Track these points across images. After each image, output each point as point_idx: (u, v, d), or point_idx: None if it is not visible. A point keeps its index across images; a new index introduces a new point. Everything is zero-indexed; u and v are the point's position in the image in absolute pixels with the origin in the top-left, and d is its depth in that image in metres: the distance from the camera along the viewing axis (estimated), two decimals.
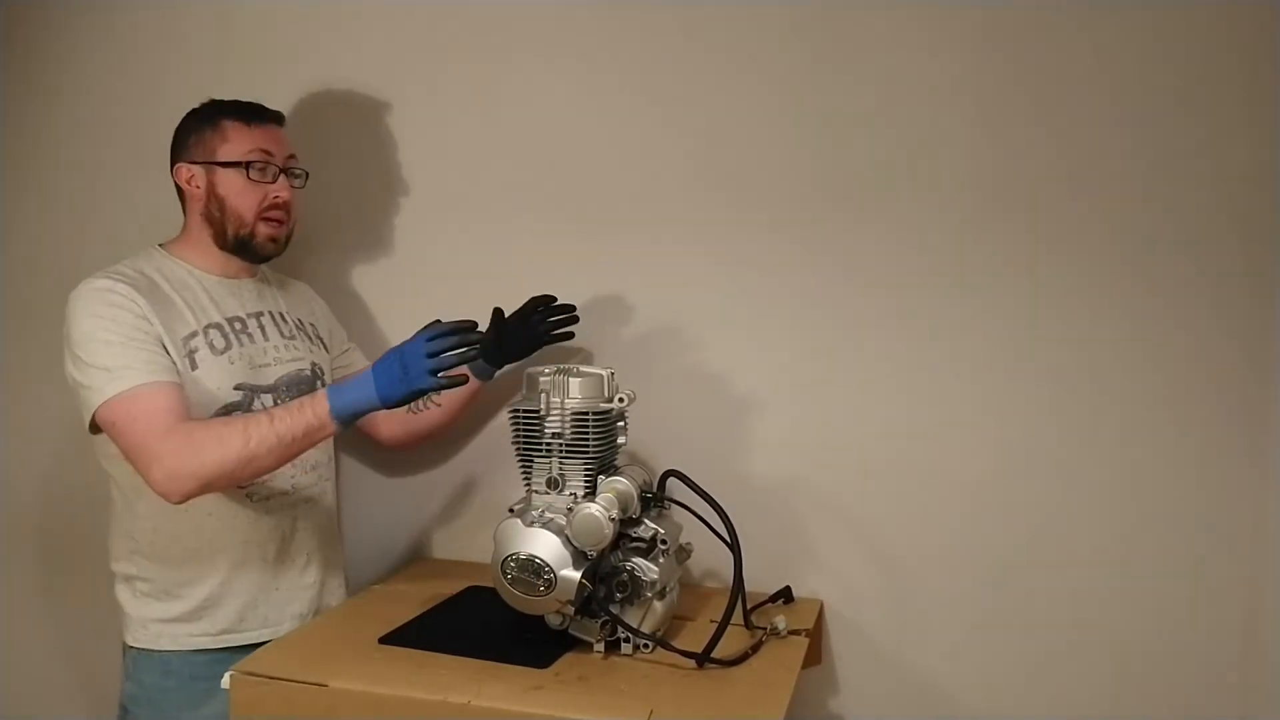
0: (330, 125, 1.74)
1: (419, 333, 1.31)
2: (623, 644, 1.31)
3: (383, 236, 1.75)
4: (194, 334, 1.39)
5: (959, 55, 1.50)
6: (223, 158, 1.43)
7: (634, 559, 1.31)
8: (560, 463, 1.33)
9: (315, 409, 1.30)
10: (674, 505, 1.39)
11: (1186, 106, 1.42)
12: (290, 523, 1.49)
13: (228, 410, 1.39)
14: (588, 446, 1.32)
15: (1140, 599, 1.48)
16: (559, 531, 1.28)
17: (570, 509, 1.28)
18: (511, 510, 1.33)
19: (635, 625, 1.29)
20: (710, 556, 1.52)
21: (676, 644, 1.29)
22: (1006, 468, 1.52)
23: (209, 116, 1.45)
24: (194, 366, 1.37)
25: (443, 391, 1.32)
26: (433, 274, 1.72)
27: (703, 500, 1.33)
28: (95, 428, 1.34)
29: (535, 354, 1.61)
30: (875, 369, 1.56)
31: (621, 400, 1.35)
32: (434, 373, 1.27)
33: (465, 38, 1.69)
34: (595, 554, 1.28)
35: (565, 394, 1.33)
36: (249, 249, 1.46)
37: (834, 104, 1.55)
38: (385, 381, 1.29)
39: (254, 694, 1.21)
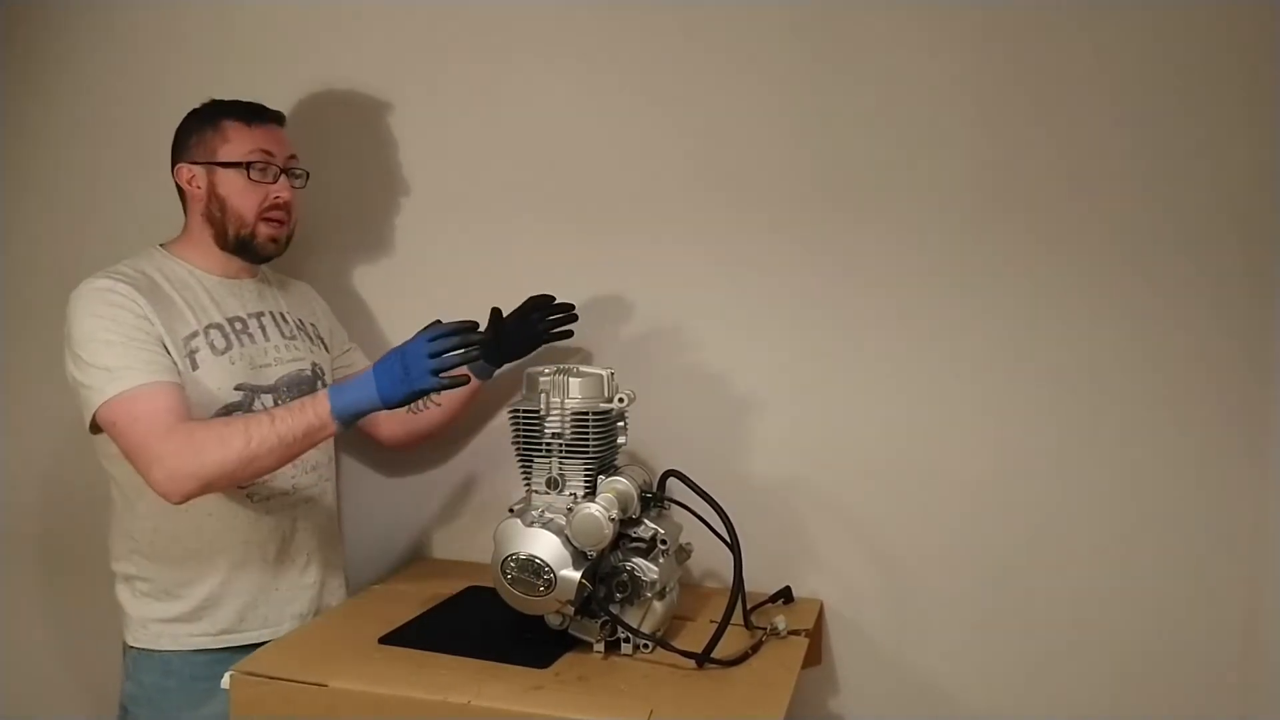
0: (330, 125, 1.74)
1: (420, 333, 1.31)
2: (623, 644, 1.31)
3: (383, 236, 1.75)
4: (195, 334, 1.39)
5: (959, 55, 1.50)
6: (223, 158, 1.43)
7: (634, 559, 1.31)
8: (560, 463, 1.33)
9: (316, 409, 1.30)
10: (674, 505, 1.39)
11: (1186, 106, 1.42)
12: (290, 523, 1.49)
13: (228, 410, 1.39)
14: (588, 446, 1.32)
15: (1140, 599, 1.48)
16: (559, 531, 1.28)
17: (570, 509, 1.28)
18: (511, 510, 1.33)
19: (635, 625, 1.29)
20: (710, 556, 1.52)
21: (676, 644, 1.29)
22: (1006, 468, 1.52)
23: (210, 117, 1.45)
24: (195, 367, 1.37)
25: (443, 391, 1.32)
26: (433, 274, 1.72)
27: (703, 500, 1.33)
28: (95, 428, 1.34)
29: (535, 353, 1.61)
30: (875, 369, 1.56)
31: (621, 400, 1.35)
32: (435, 373, 1.27)
33: (465, 38, 1.69)
34: (595, 554, 1.28)
35: (565, 394, 1.33)
36: (250, 249, 1.46)
37: (834, 104, 1.55)
38: (386, 382, 1.29)
39: (254, 694, 1.21)
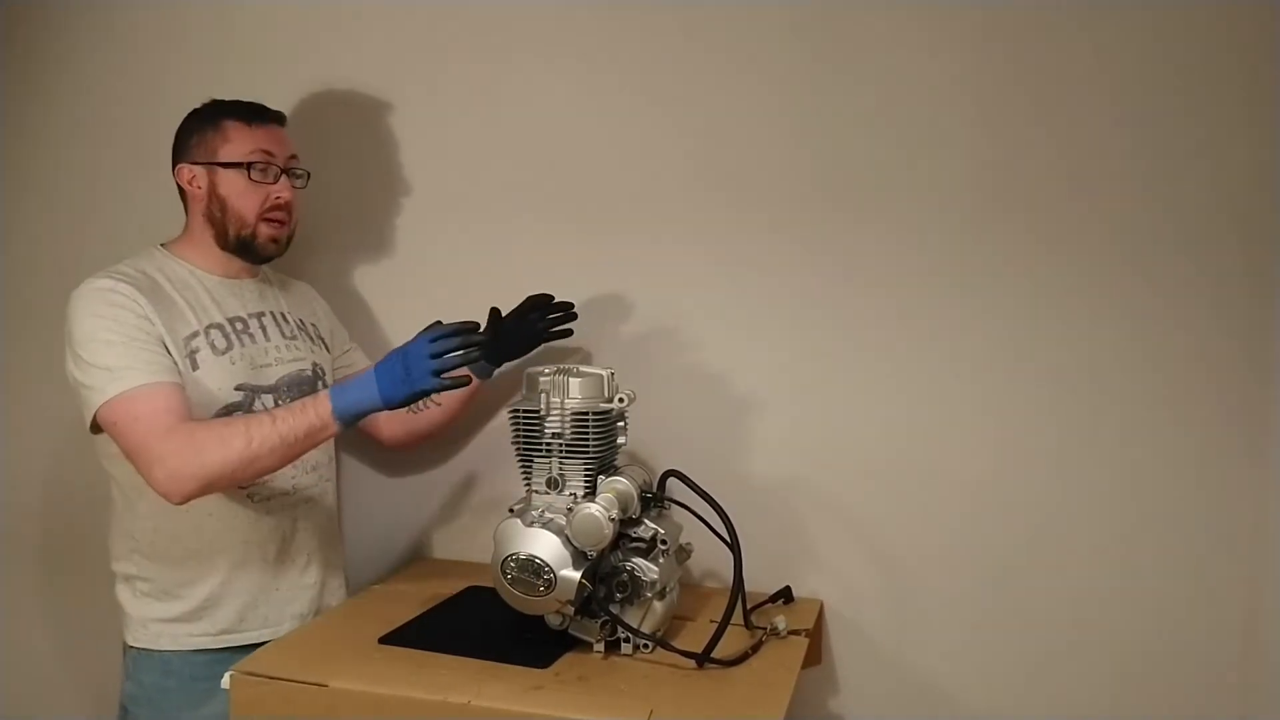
0: (330, 125, 1.74)
1: (421, 334, 1.31)
2: (623, 644, 1.31)
3: (383, 236, 1.75)
4: (195, 334, 1.39)
5: (959, 55, 1.50)
6: (224, 158, 1.42)
7: (634, 559, 1.31)
8: (560, 463, 1.33)
9: (318, 409, 1.30)
10: (674, 505, 1.39)
11: (1186, 106, 1.42)
12: (291, 523, 1.49)
13: (229, 410, 1.39)
14: (588, 446, 1.32)
15: (1140, 599, 1.48)
16: (559, 531, 1.28)
17: (570, 509, 1.28)
18: (511, 510, 1.33)
19: (635, 625, 1.29)
20: (710, 556, 1.52)
21: (676, 644, 1.29)
22: (1006, 468, 1.52)
23: (210, 117, 1.45)
24: (195, 367, 1.37)
25: (444, 391, 1.32)
26: (433, 273, 1.72)
27: (703, 500, 1.33)
28: (96, 427, 1.34)
29: (534, 353, 1.61)
30: (875, 369, 1.56)
31: (621, 400, 1.35)
32: (437, 374, 1.27)
33: (465, 38, 1.69)
34: (595, 554, 1.28)
35: (565, 394, 1.33)
36: (250, 249, 1.46)
37: (834, 104, 1.55)
38: (388, 382, 1.29)
39: (254, 694, 1.21)
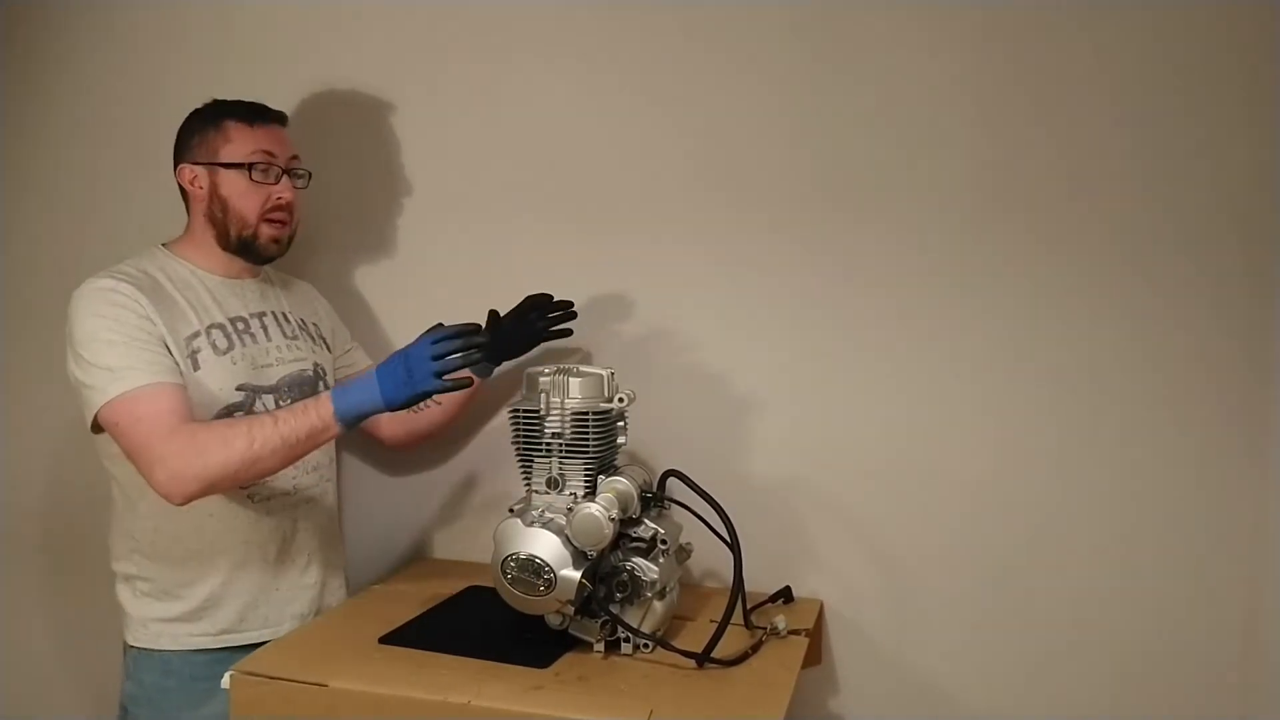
0: (330, 125, 1.74)
1: (423, 335, 1.31)
2: (623, 644, 1.31)
3: (384, 236, 1.75)
4: (197, 334, 1.39)
5: (959, 55, 1.50)
6: (225, 159, 1.42)
7: (634, 559, 1.31)
8: (560, 463, 1.33)
9: (319, 411, 1.30)
10: (674, 505, 1.39)
11: (1186, 106, 1.42)
12: (291, 523, 1.49)
13: (229, 411, 1.39)
14: (588, 446, 1.32)
15: (1140, 599, 1.48)
16: (559, 531, 1.28)
17: (570, 509, 1.28)
18: (511, 510, 1.33)
19: (635, 625, 1.29)
20: (710, 556, 1.52)
21: (676, 644, 1.29)
22: (1006, 468, 1.52)
23: (211, 117, 1.45)
24: (196, 367, 1.37)
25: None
26: (433, 273, 1.72)
27: (703, 500, 1.33)
28: (97, 427, 1.34)
29: (534, 353, 1.61)
30: (875, 369, 1.56)
31: (621, 400, 1.35)
32: (438, 375, 1.27)
33: (465, 38, 1.69)
34: (595, 554, 1.28)
35: (565, 394, 1.33)
36: (252, 250, 1.46)
37: (834, 104, 1.55)
38: (390, 384, 1.29)
39: (254, 694, 1.21)
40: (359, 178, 1.75)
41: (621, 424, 1.40)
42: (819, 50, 1.55)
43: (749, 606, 1.41)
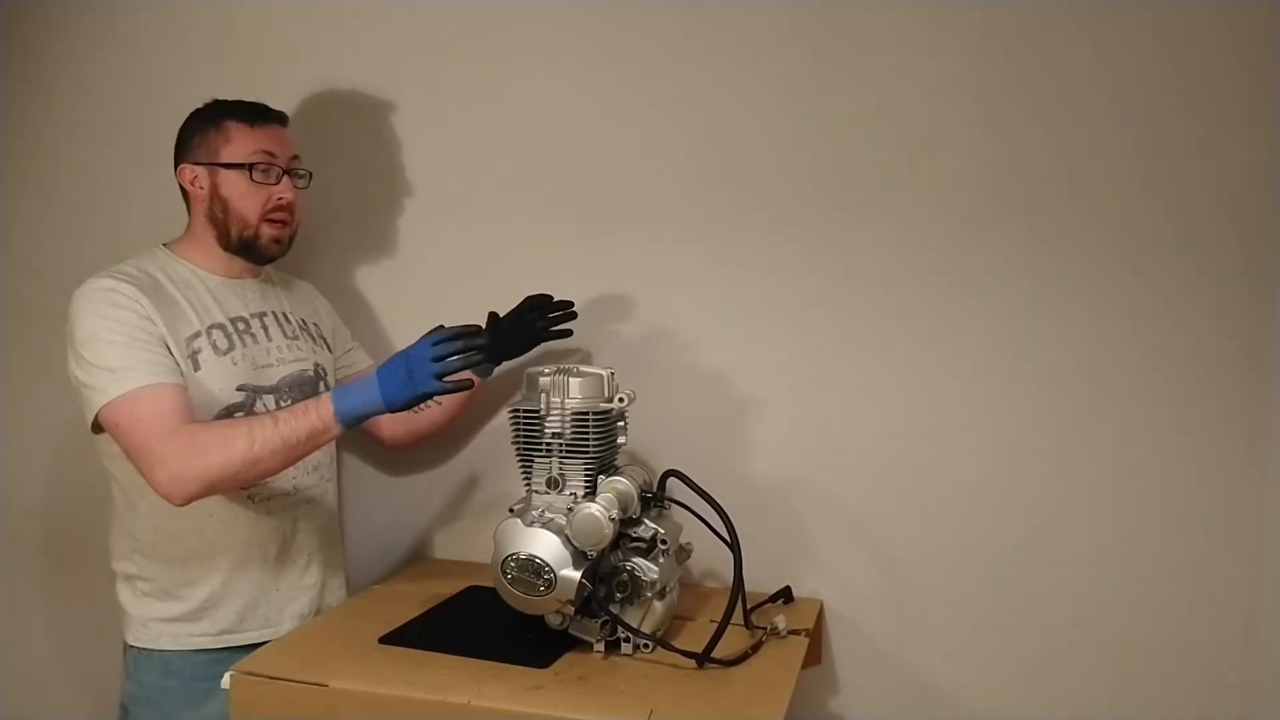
0: (330, 125, 1.74)
1: (424, 337, 1.31)
2: (623, 644, 1.31)
3: (384, 236, 1.75)
4: (197, 334, 1.39)
5: (959, 55, 1.50)
6: (226, 159, 1.42)
7: (634, 559, 1.31)
8: (560, 463, 1.33)
9: (320, 412, 1.30)
10: (674, 505, 1.39)
11: (1186, 106, 1.42)
12: (291, 524, 1.49)
13: (230, 411, 1.39)
14: (588, 446, 1.32)
15: (1140, 599, 1.48)
16: (559, 531, 1.28)
17: (570, 509, 1.28)
18: (511, 510, 1.33)
19: (635, 625, 1.29)
20: (710, 556, 1.52)
21: (676, 644, 1.29)
22: (1006, 468, 1.52)
23: (212, 117, 1.45)
24: (197, 367, 1.37)
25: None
26: (434, 273, 1.72)
27: (703, 500, 1.33)
28: (97, 427, 1.34)
29: (534, 353, 1.61)
30: (875, 369, 1.56)
31: (621, 400, 1.35)
32: (439, 376, 1.27)
33: (465, 38, 1.69)
34: (595, 554, 1.28)
35: (565, 394, 1.33)
36: (253, 250, 1.46)
37: (834, 104, 1.55)
38: (390, 385, 1.29)
39: (254, 694, 1.21)
40: (359, 178, 1.75)
41: (621, 424, 1.40)
42: (819, 50, 1.55)
43: (749, 606, 1.41)
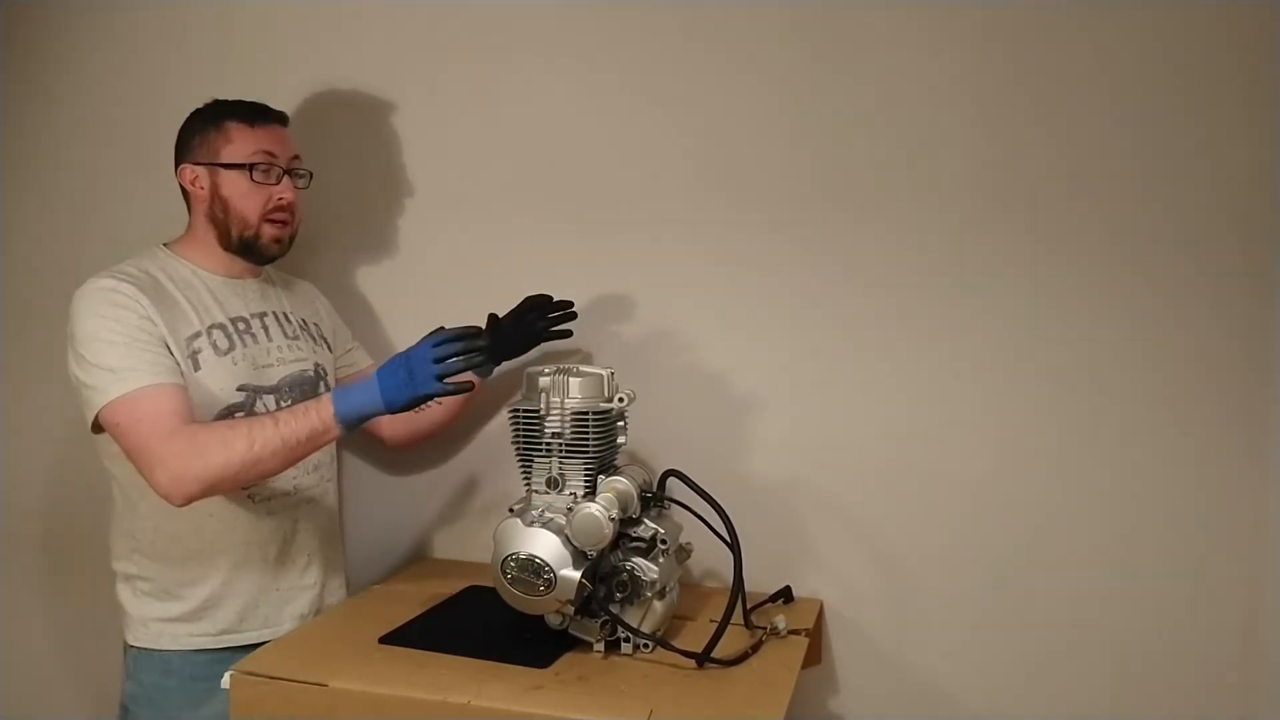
0: (331, 125, 1.74)
1: (424, 339, 1.31)
2: (623, 644, 1.31)
3: (384, 236, 1.75)
4: (197, 334, 1.39)
5: (959, 55, 1.50)
6: (226, 159, 1.42)
7: (634, 559, 1.31)
8: (560, 462, 1.33)
9: (320, 413, 1.30)
10: (674, 505, 1.39)
11: (1186, 106, 1.42)
12: (291, 524, 1.49)
13: (230, 411, 1.39)
14: (588, 446, 1.32)
15: (1140, 599, 1.48)
16: (559, 531, 1.28)
17: (570, 509, 1.28)
18: (511, 510, 1.33)
19: (635, 625, 1.29)
20: (710, 556, 1.52)
21: (676, 644, 1.29)
22: (1006, 468, 1.52)
23: (213, 117, 1.45)
24: (197, 367, 1.37)
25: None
26: (434, 273, 1.72)
27: (703, 500, 1.33)
28: (97, 427, 1.34)
29: (534, 353, 1.61)
30: (875, 369, 1.56)
31: (621, 400, 1.35)
32: (440, 378, 1.27)
33: (465, 38, 1.69)
34: (595, 554, 1.28)
35: (565, 394, 1.33)
36: (254, 250, 1.46)
37: (834, 104, 1.55)
38: (391, 386, 1.29)
39: (254, 694, 1.21)
40: (359, 178, 1.75)
41: (621, 424, 1.40)
42: (819, 50, 1.55)
43: (749, 606, 1.41)
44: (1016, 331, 1.51)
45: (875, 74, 1.53)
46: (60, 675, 1.99)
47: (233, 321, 1.44)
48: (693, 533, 1.40)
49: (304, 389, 1.49)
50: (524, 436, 1.34)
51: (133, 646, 1.44)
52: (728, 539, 1.32)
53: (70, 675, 1.98)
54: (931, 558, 1.56)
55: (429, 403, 1.56)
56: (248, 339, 1.45)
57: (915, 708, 1.58)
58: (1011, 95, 1.48)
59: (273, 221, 1.45)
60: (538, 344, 1.60)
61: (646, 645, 1.30)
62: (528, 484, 1.35)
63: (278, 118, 1.48)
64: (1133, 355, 1.47)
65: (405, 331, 1.72)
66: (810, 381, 1.59)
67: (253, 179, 1.42)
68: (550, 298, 1.58)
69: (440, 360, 1.27)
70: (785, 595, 1.55)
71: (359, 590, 1.61)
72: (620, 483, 1.32)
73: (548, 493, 1.33)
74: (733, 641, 1.31)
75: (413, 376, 1.28)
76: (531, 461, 1.35)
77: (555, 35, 1.65)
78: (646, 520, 1.34)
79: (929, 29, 1.50)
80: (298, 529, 1.50)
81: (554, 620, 1.31)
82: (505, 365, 1.60)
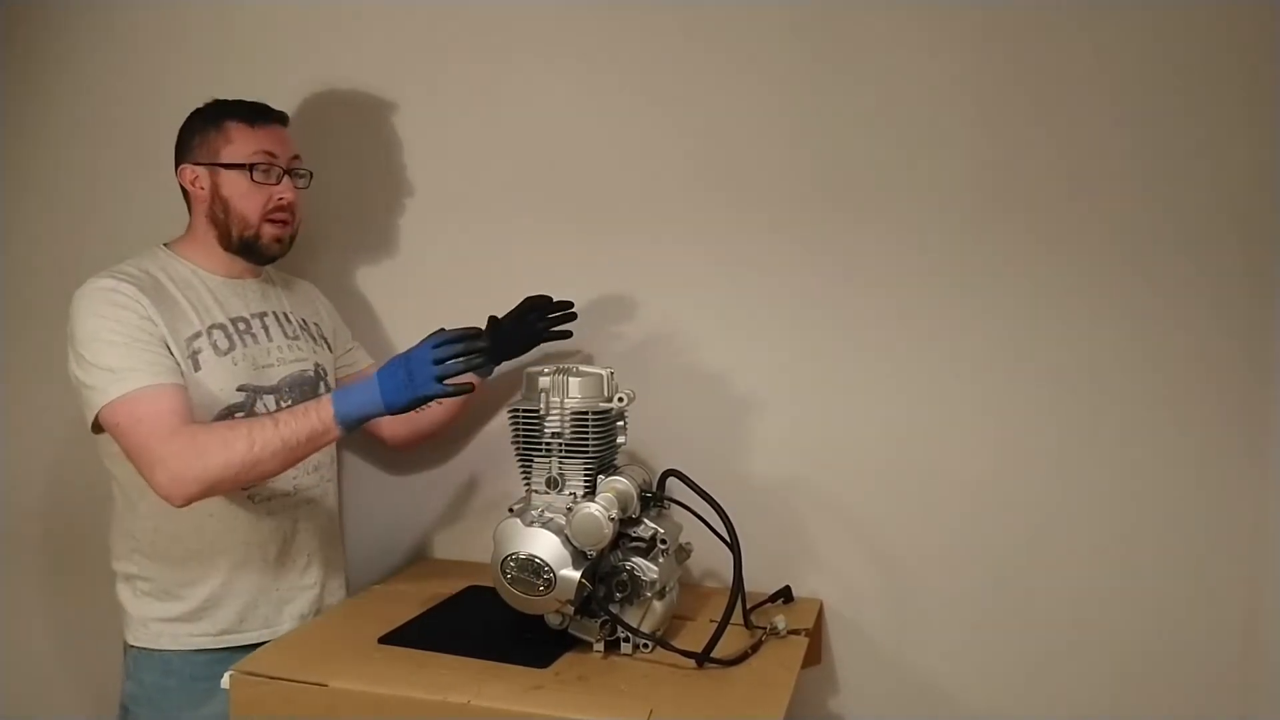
0: (331, 125, 1.74)
1: (425, 340, 1.31)
2: (622, 644, 1.31)
3: (384, 236, 1.75)
4: (198, 334, 1.39)
5: (959, 55, 1.50)
6: (226, 159, 1.42)
7: (634, 559, 1.31)
8: (560, 462, 1.33)
9: (320, 413, 1.30)
10: (674, 505, 1.39)
11: (1186, 106, 1.42)
12: (291, 524, 1.49)
13: (230, 411, 1.39)
14: (587, 446, 1.32)
15: (1140, 599, 1.48)
16: (559, 531, 1.28)
17: (570, 509, 1.28)
18: (511, 510, 1.33)
19: (635, 625, 1.29)
20: (710, 556, 1.52)
21: (676, 644, 1.29)
22: (1006, 468, 1.52)
23: (213, 117, 1.45)
24: (197, 367, 1.37)
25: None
26: (434, 273, 1.72)
27: (703, 500, 1.33)
28: (97, 427, 1.34)
29: (534, 354, 1.61)
30: (875, 369, 1.56)
31: (621, 400, 1.35)
32: (440, 379, 1.27)
33: (465, 38, 1.69)
34: (595, 554, 1.28)
35: (565, 394, 1.33)
36: (254, 250, 1.46)
37: (834, 104, 1.55)
38: (391, 387, 1.29)
39: (254, 694, 1.21)
40: (359, 178, 1.75)
41: (621, 424, 1.40)
42: (819, 50, 1.55)
43: (749, 606, 1.41)
44: (1016, 331, 1.51)
45: (875, 74, 1.53)
46: (60, 675, 1.99)
47: (233, 321, 1.44)
48: (692, 533, 1.40)
49: (304, 389, 1.49)
50: (524, 436, 1.34)
51: (133, 646, 1.44)
52: (727, 539, 1.32)
53: (70, 675, 1.99)
54: (931, 558, 1.56)
55: (429, 403, 1.58)
56: (248, 339, 1.45)
57: (915, 708, 1.58)
58: (1011, 95, 1.48)
59: (273, 221, 1.45)
60: (538, 344, 1.60)
61: (646, 645, 1.30)
62: (527, 484, 1.35)
63: (278, 118, 1.48)
64: (1133, 355, 1.47)
65: (405, 331, 1.72)
66: (810, 381, 1.59)
67: (253, 179, 1.42)
68: (550, 298, 1.58)
69: (440, 361, 1.28)
70: (785, 595, 1.55)
71: (359, 590, 1.61)
72: (620, 483, 1.32)
73: (547, 493, 1.33)
74: (732, 641, 1.31)
75: (413, 377, 1.28)
76: (531, 461, 1.35)
77: (555, 35, 1.65)
78: (646, 520, 1.34)
79: (929, 29, 1.50)
80: (298, 529, 1.50)
81: (554, 620, 1.31)
82: (505, 366, 1.60)
